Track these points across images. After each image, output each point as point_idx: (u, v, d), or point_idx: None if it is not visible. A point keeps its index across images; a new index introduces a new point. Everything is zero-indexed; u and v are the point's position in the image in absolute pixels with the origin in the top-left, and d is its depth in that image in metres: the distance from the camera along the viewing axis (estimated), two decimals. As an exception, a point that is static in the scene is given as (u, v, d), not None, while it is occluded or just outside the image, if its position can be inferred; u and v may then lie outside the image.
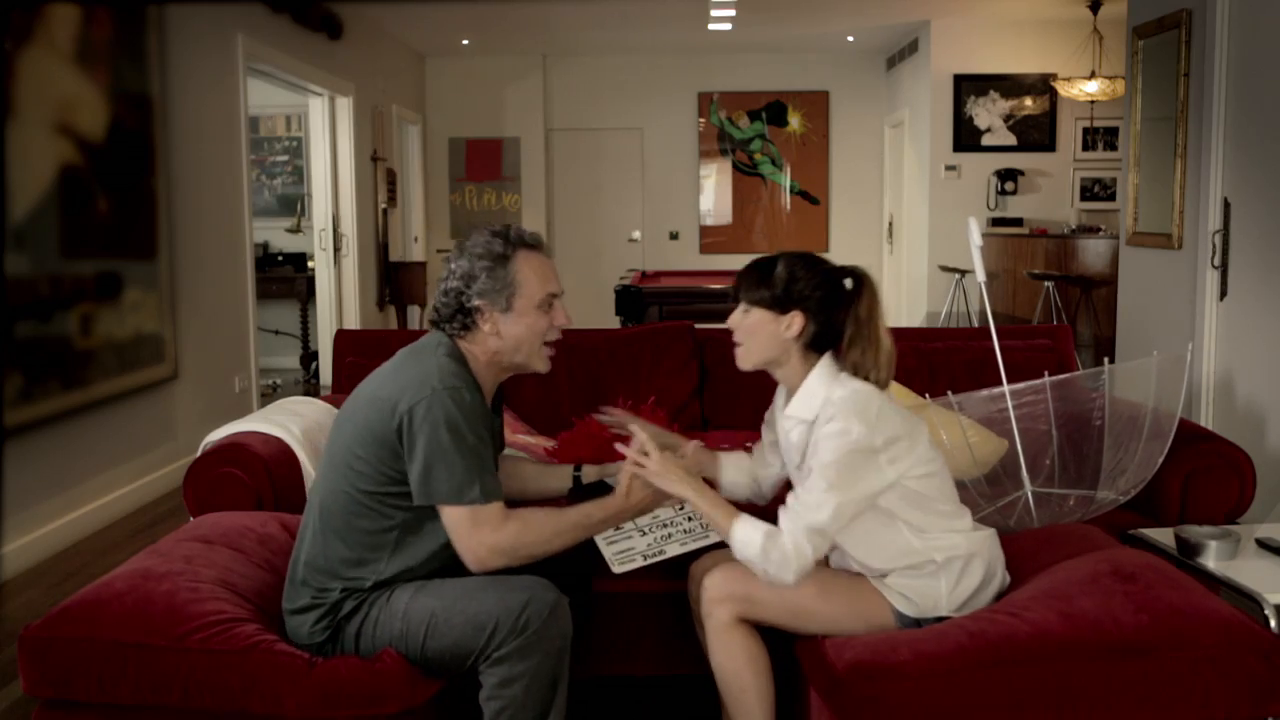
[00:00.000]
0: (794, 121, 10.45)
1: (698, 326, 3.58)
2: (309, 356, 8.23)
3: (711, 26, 8.79)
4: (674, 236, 10.61)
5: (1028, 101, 8.90)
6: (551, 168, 10.54)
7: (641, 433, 2.17)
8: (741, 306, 2.16)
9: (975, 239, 2.77)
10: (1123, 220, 5.17)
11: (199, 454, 2.78)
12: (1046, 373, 2.86)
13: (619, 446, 2.19)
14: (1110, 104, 8.20)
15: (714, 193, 10.58)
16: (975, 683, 1.87)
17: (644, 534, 2.29)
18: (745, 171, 10.54)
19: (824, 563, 2.33)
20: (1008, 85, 8.87)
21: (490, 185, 10.40)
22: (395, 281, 8.71)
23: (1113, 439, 2.77)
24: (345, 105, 7.81)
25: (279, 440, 2.83)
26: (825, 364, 2.13)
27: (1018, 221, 8.71)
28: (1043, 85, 8.80)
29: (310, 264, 8.27)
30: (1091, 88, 7.87)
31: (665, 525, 2.32)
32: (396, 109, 9.21)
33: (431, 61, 10.27)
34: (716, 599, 2.10)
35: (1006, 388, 2.77)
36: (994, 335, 2.96)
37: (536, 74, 10.29)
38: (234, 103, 5.90)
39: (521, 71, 10.27)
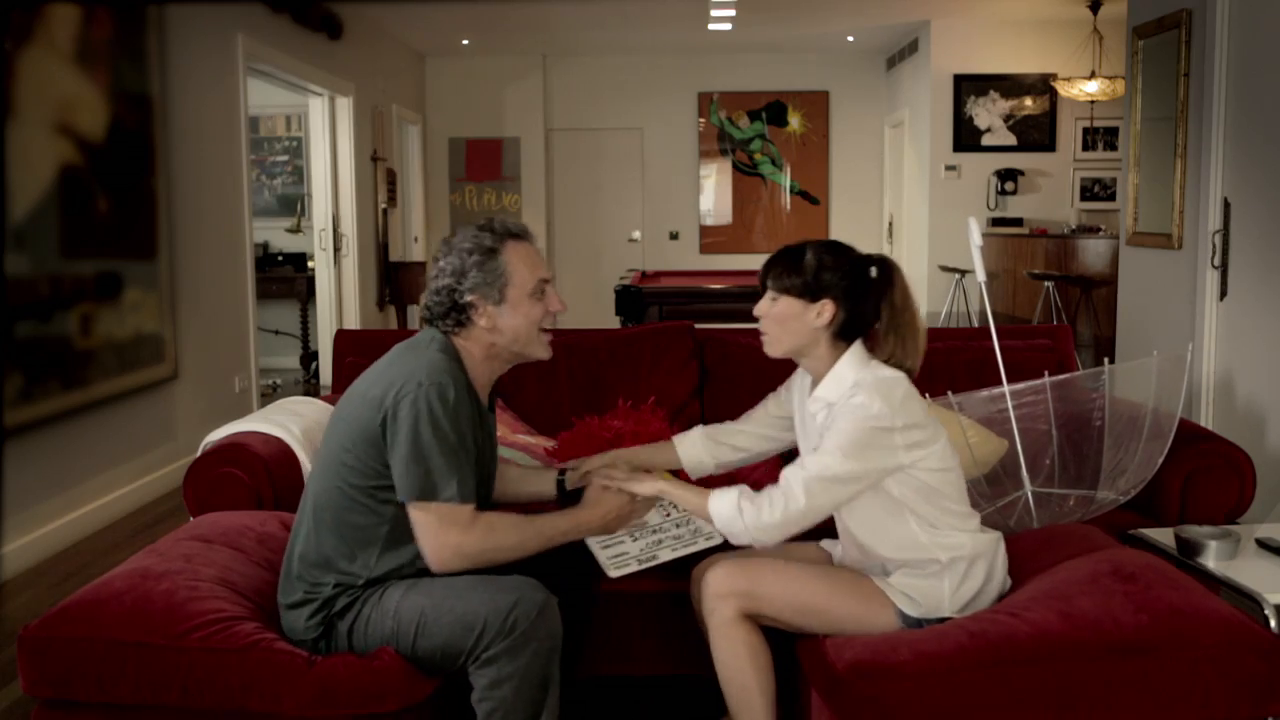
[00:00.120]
0: (794, 121, 10.45)
1: (698, 326, 3.57)
2: (309, 356, 8.23)
3: (711, 26, 8.79)
4: (674, 236, 10.61)
5: (1028, 101, 8.90)
6: (551, 168, 10.54)
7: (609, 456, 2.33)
8: (769, 294, 2.16)
9: (975, 239, 2.77)
10: (1123, 220, 5.17)
11: (199, 454, 2.77)
12: (1046, 373, 2.85)
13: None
14: (1110, 104, 8.20)
15: (714, 193, 10.58)
16: (975, 683, 1.87)
17: (635, 539, 2.28)
18: (745, 171, 10.54)
19: (828, 559, 2.34)
20: (1008, 85, 8.87)
21: (490, 185, 10.40)
22: (395, 281, 8.71)
23: (1113, 439, 2.77)
24: (345, 105, 7.81)
25: (279, 440, 2.83)
26: (856, 350, 2.14)
27: (1018, 221, 8.71)
28: (1043, 85, 8.80)
29: (310, 264, 8.28)
30: (1091, 88, 7.87)
31: (655, 531, 2.32)
32: (396, 109, 9.21)
33: (431, 61, 10.27)
34: (719, 594, 2.10)
35: (1006, 388, 2.77)
36: (994, 335, 2.96)
37: (536, 74, 10.29)
38: (234, 103, 5.90)
39: (521, 71, 10.27)
